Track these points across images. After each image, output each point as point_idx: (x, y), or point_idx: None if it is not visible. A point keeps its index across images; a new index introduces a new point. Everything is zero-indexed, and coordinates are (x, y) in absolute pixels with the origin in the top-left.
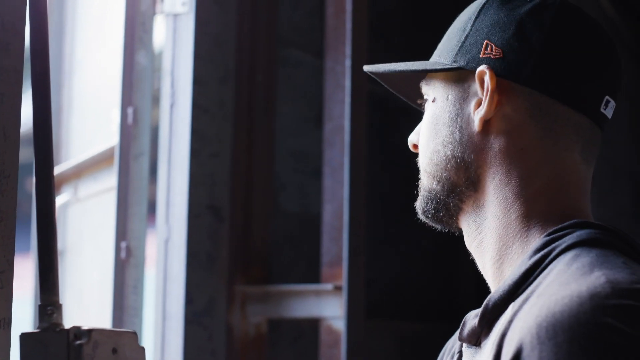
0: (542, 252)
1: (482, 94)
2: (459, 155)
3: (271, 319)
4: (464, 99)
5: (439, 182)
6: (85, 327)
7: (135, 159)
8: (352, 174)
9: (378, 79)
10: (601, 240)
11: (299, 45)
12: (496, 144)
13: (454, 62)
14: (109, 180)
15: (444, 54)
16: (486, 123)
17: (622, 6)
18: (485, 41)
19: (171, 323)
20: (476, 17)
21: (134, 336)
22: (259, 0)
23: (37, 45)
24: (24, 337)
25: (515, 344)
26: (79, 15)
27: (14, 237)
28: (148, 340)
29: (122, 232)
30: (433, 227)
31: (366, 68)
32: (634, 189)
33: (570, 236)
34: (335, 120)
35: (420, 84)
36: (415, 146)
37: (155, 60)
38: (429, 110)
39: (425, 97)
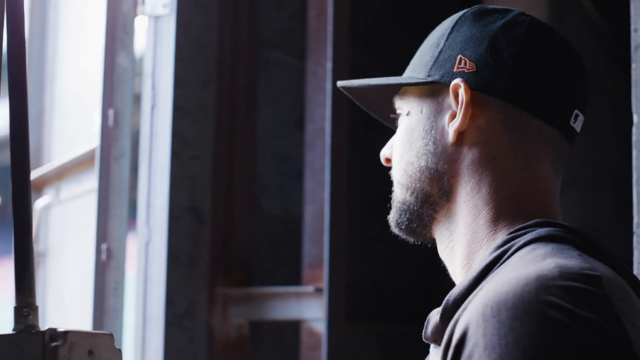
0: (501, 249)
1: (457, 106)
2: (433, 166)
3: (252, 321)
4: (438, 112)
5: (412, 193)
6: (61, 329)
7: (116, 160)
8: (333, 176)
9: (350, 95)
10: (559, 236)
11: (280, 47)
12: (469, 154)
13: (428, 76)
14: (91, 182)
15: (417, 68)
16: (460, 134)
17: (606, 10)
18: (459, 56)
19: (152, 325)
20: (450, 33)
21: (110, 338)
22: (240, 3)
23: (14, 49)
24: (0, 339)
25: (464, 325)
26: (61, 17)
27: None
28: (128, 342)
29: (102, 234)
30: (406, 239)
31: (340, 84)
32: (617, 192)
33: (530, 234)
34: (316, 123)
35: (394, 98)
36: (388, 160)
37: (136, 62)
38: (403, 123)
39: (398, 111)
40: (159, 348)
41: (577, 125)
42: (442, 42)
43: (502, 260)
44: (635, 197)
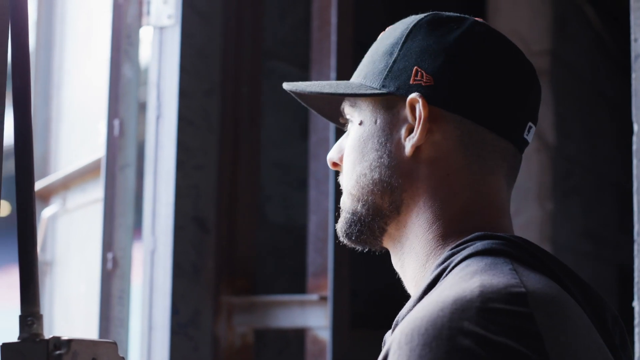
0: (442, 266)
1: (413, 120)
2: (386, 179)
3: (257, 329)
4: (393, 125)
5: (363, 204)
6: (64, 337)
7: (121, 170)
8: (337, 185)
9: (295, 96)
10: (496, 250)
11: (284, 57)
12: (424, 169)
13: (383, 86)
14: (97, 191)
15: (369, 76)
16: (416, 149)
17: (608, 17)
18: (415, 67)
19: (157, 334)
20: (404, 42)
21: (114, 346)
22: (244, 14)
23: (18, 59)
24: (4, 347)
25: (384, 351)
26: (67, 28)
27: None
28: (134, 351)
29: (108, 243)
30: (355, 248)
31: (286, 86)
32: (619, 199)
33: (468, 248)
34: (320, 133)
35: (343, 105)
36: (335, 164)
37: (141, 72)
38: (355, 132)
39: (348, 117)
40: (164, 356)
41: (529, 137)
42: (396, 50)
43: (442, 277)
44: (635, 206)
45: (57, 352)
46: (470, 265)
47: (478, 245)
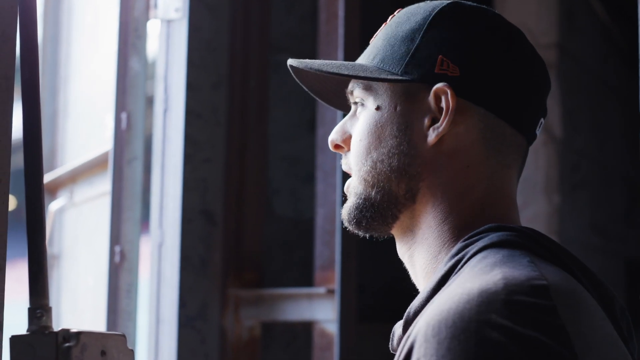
0: (456, 257)
1: (437, 109)
2: (405, 167)
3: (264, 323)
4: (415, 112)
5: (378, 191)
6: (73, 329)
7: (128, 163)
8: (345, 178)
9: (292, 72)
10: (511, 242)
11: (291, 50)
12: (444, 159)
13: (405, 72)
14: (104, 184)
15: (388, 61)
16: (439, 139)
17: (615, 10)
18: (440, 56)
19: (165, 327)
20: (426, 29)
21: (123, 339)
22: (251, 7)
23: (26, 52)
24: (14, 339)
25: (409, 343)
26: (74, 22)
27: (5, 242)
28: (142, 344)
29: (116, 236)
30: (360, 234)
31: (293, 62)
32: (627, 194)
33: (482, 240)
34: (327, 125)
35: (352, 86)
36: (338, 146)
37: (148, 66)
38: (370, 117)
39: (358, 100)
40: (171, 349)
41: (539, 132)
42: (418, 37)
43: (457, 269)
44: None
45: (66, 344)
46: (488, 257)
47: (493, 237)
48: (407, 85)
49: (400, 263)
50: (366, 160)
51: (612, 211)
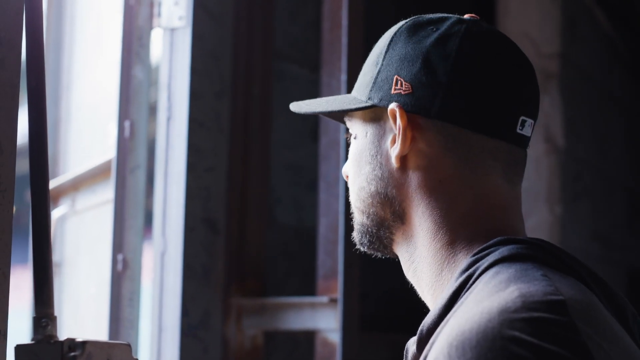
0: (466, 273)
1: (396, 130)
2: (382, 191)
3: (267, 331)
4: (381, 136)
5: (368, 216)
6: (79, 339)
7: (131, 172)
8: (347, 188)
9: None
10: (523, 255)
11: (295, 59)
12: (415, 178)
13: (369, 99)
14: (106, 193)
15: (360, 89)
16: (403, 159)
17: (618, 20)
18: (395, 76)
19: (167, 335)
20: (386, 51)
21: (128, 348)
22: (255, 15)
23: (32, 60)
24: (19, 348)
25: None
26: (77, 29)
27: (10, 250)
28: (144, 352)
29: (118, 244)
30: (374, 255)
31: (292, 108)
32: (628, 202)
33: (492, 254)
34: (330, 135)
35: (344, 118)
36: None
37: (152, 74)
38: (353, 146)
39: (350, 131)
40: (174, 358)
41: (527, 131)
42: (380, 60)
43: (468, 285)
44: None
45: (72, 353)
46: (500, 273)
47: (503, 251)
48: (373, 110)
49: (402, 273)
50: (353, 188)
51: (614, 221)
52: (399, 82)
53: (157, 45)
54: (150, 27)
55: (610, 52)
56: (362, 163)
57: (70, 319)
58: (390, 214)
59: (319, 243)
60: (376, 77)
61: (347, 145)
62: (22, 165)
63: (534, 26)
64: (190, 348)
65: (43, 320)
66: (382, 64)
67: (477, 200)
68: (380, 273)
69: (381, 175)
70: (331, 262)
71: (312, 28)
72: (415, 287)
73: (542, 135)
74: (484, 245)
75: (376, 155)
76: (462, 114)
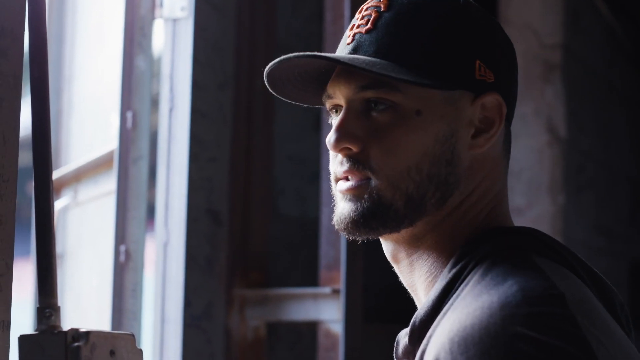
0: (460, 264)
1: (480, 116)
2: (445, 175)
3: (270, 323)
4: (459, 120)
5: (408, 199)
6: (83, 329)
7: (134, 162)
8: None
9: (268, 82)
10: (517, 246)
11: (297, 50)
12: (478, 166)
13: (445, 78)
14: (109, 184)
15: (419, 62)
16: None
17: (621, 12)
18: (477, 61)
19: (170, 326)
20: (454, 28)
21: (132, 338)
22: (257, 6)
23: (35, 51)
24: (23, 339)
25: (433, 357)
26: (79, 20)
27: (12, 241)
28: (147, 343)
29: (121, 235)
30: (352, 237)
31: (316, 56)
32: (632, 194)
33: (485, 245)
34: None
35: (365, 83)
36: (345, 148)
37: (154, 64)
38: (410, 121)
39: (375, 98)
40: (177, 349)
41: None
42: (447, 37)
43: (462, 277)
44: None
45: (76, 344)
46: (496, 265)
47: (497, 242)
48: (448, 91)
49: None
50: (405, 168)
51: (616, 212)
52: (482, 68)
53: (159, 36)
54: (153, 18)
55: (613, 43)
56: (427, 142)
57: (72, 311)
58: (437, 199)
59: (322, 234)
60: (449, 55)
61: (355, 111)
62: (23, 157)
63: (537, 17)
64: (193, 339)
65: (47, 310)
66: (452, 43)
67: (502, 187)
68: (383, 264)
69: (451, 159)
70: (334, 253)
71: (315, 19)
72: (403, 276)
73: (544, 126)
74: (475, 236)
75: (450, 138)
76: (513, 105)
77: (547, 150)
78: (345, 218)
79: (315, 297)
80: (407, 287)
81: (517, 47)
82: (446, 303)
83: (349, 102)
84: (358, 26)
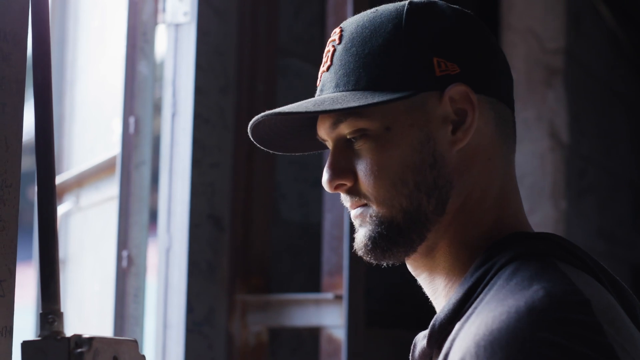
0: (483, 268)
1: (454, 112)
2: (433, 180)
3: (271, 328)
4: (432, 122)
5: (405, 213)
6: (86, 335)
7: (136, 168)
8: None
9: (252, 134)
10: (540, 251)
11: (299, 55)
12: (469, 159)
13: (404, 86)
14: (111, 189)
15: (377, 80)
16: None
17: (623, 17)
18: (435, 59)
19: (172, 332)
20: (404, 35)
21: (135, 344)
22: (259, 11)
23: (39, 56)
24: (26, 345)
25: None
26: (81, 25)
27: (15, 246)
28: (149, 349)
29: (123, 241)
30: (375, 263)
31: (271, 112)
32: (634, 198)
33: (510, 249)
34: None
35: (335, 119)
36: (339, 186)
37: (156, 70)
38: (383, 140)
39: (351, 131)
40: (179, 355)
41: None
42: (398, 46)
43: (485, 281)
44: None
45: (79, 350)
46: (521, 269)
47: (521, 247)
48: (409, 99)
49: (407, 269)
50: (384, 185)
51: (618, 217)
52: (441, 63)
53: (161, 41)
54: (155, 23)
55: (615, 48)
56: (405, 154)
57: (74, 316)
58: (435, 205)
59: (324, 239)
60: (403, 63)
61: (339, 147)
62: (25, 162)
63: (539, 22)
64: (195, 344)
65: (50, 316)
66: (404, 49)
67: (508, 178)
68: (385, 269)
69: (434, 163)
70: (336, 258)
71: (317, 23)
72: (428, 290)
73: (546, 130)
74: (499, 239)
75: (427, 142)
76: (501, 87)
77: (549, 155)
78: (359, 243)
79: (318, 302)
80: (429, 297)
81: (518, 51)
82: (468, 307)
83: (333, 141)
84: (323, 65)
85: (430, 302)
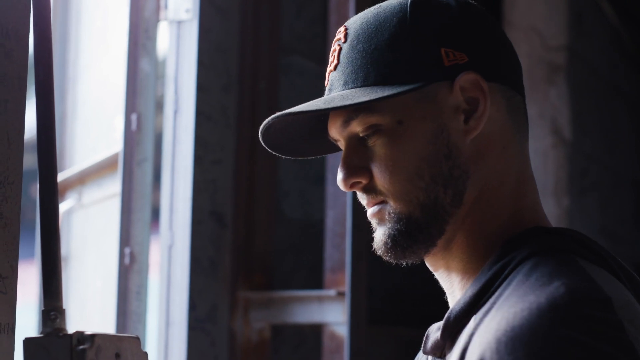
0: (501, 262)
1: (465, 101)
2: (449, 171)
3: (274, 325)
4: (444, 112)
5: (424, 207)
6: (88, 332)
7: (138, 165)
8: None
9: (264, 139)
10: (559, 247)
11: (301, 52)
12: (484, 147)
13: (415, 78)
14: (113, 186)
15: (385, 75)
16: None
17: (625, 14)
18: (442, 49)
19: (174, 329)
20: (409, 29)
21: (137, 341)
22: (261, 8)
23: (40, 53)
24: (28, 342)
25: (478, 357)
26: (83, 23)
27: (17, 243)
28: (151, 346)
29: (125, 238)
30: (396, 262)
31: (290, 111)
32: (636, 196)
33: (528, 244)
34: None
35: (347, 117)
36: (355, 184)
37: (158, 67)
38: (395, 135)
39: (363, 127)
40: (181, 352)
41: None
42: (404, 40)
43: (503, 275)
44: None
45: (81, 347)
46: (540, 265)
47: (540, 242)
48: (419, 91)
49: (409, 266)
50: (407, 179)
51: (621, 214)
52: (449, 53)
53: (163, 38)
54: (157, 20)
55: (617, 46)
56: (419, 147)
57: (76, 313)
58: (452, 197)
59: (326, 236)
60: (411, 56)
61: (352, 145)
62: (27, 160)
63: (541, 19)
64: (197, 341)
65: (52, 313)
66: (410, 43)
67: (524, 167)
68: (387, 266)
69: (448, 153)
70: (339, 255)
71: (319, 21)
72: (445, 283)
73: (549, 128)
74: (518, 233)
75: (441, 134)
76: (510, 74)
77: (552, 153)
78: (378, 242)
79: (320, 299)
80: (446, 291)
81: (521, 49)
82: (485, 301)
83: (345, 139)
84: (330, 64)
85: (445, 297)
